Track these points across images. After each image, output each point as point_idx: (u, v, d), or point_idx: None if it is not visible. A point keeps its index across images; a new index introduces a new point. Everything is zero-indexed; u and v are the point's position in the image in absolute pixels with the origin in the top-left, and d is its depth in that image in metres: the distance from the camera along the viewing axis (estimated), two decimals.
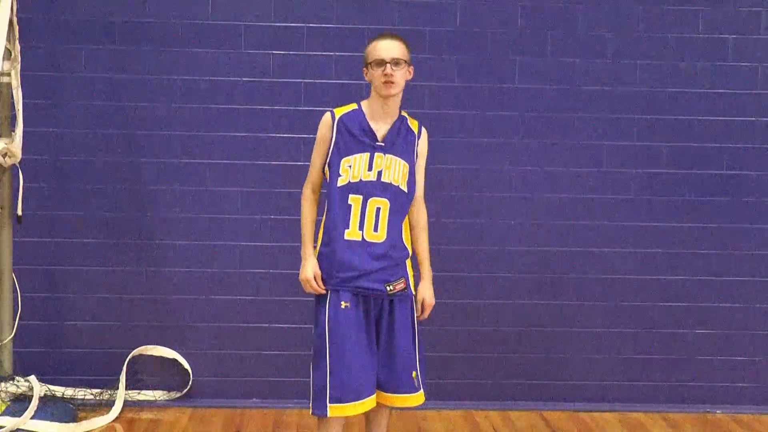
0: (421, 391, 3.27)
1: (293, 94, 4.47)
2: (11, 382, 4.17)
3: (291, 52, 4.48)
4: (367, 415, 3.31)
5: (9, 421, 3.87)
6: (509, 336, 4.60)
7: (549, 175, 4.57)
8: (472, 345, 4.59)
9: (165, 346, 4.51)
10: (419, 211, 3.32)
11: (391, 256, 3.16)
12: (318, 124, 3.24)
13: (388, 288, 3.15)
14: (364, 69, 3.20)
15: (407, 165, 3.19)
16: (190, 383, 4.51)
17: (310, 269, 3.17)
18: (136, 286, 4.50)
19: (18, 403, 4.07)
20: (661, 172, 4.59)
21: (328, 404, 3.10)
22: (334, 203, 3.15)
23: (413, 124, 3.27)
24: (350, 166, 3.13)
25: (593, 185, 4.58)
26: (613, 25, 4.53)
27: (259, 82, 4.47)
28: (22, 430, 3.89)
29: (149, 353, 4.50)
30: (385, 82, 3.09)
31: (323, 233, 3.20)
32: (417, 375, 3.24)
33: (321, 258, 3.19)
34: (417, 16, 4.48)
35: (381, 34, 3.19)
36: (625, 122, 4.57)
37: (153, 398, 4.49)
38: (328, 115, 3.23)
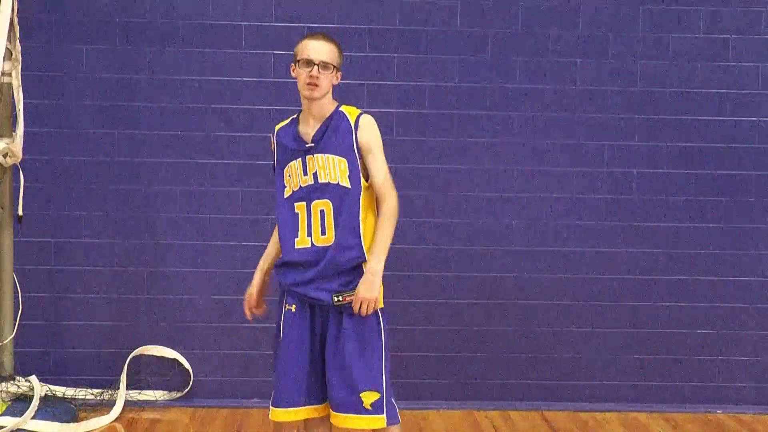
0: (377, 415, 2.97)
1: (293, 94, 4.43)
2: (12, 382, 4.17)
3: (291, 52, 4.44)
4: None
5: (10, 421, 3.87)
6: (510, 336, 4.60)
7: (549, 175, 4.57)
8: (473, 345, 4.59)
9: (165, 346, 4.51)
10: (382, 200, 3.02)
11: (336, 259, 2.96)
12: None
13: (335, 299, 2.94)
14: (292, 65, 3.10)
15: (344, 159, 2.99)
16: (191, 383, 4.52)
17: (247, 290, 3.21)
18: (136, 286, 4.51)
19: (19, 403, 4.07)
20: (661, 172, 4.59)
21: (270, 406, 3.07)
22: (283, 215, 3.07)
23: (351, 115, 3.05)
24: (290, 176, 3.06)
25: (593, 185, 4.58)
26: (613, 25, 4.53)
27: (259, 82, 4.47)
28: (23, 430, 3.89)
29: (150, 353, 4.51)
30: (309, 84, 2.99)
31: (280, 246, 3.11)
32: (379, 396, 2.97)
33: (279, 268, 3.11)
34: (417, 16, 4.48)
35: (314, 34, 3.09)
36: (625, 122, 4.57)
37: (154, 398, 4.49)
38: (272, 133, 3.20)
